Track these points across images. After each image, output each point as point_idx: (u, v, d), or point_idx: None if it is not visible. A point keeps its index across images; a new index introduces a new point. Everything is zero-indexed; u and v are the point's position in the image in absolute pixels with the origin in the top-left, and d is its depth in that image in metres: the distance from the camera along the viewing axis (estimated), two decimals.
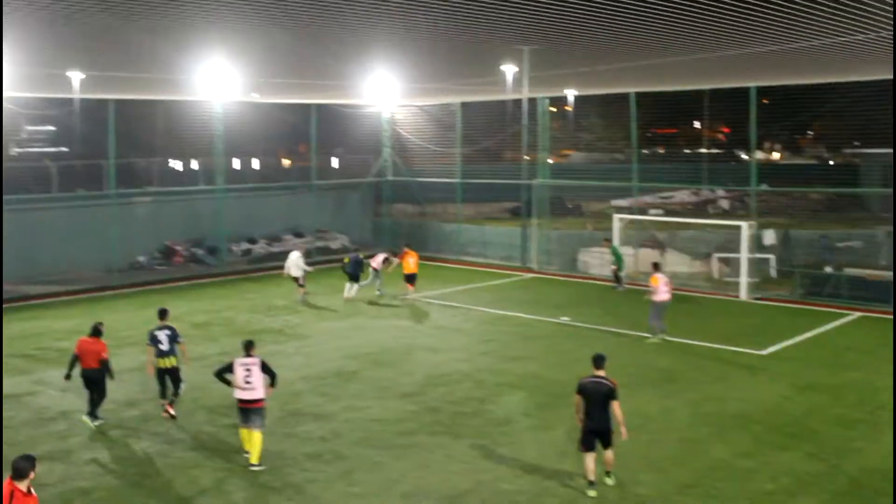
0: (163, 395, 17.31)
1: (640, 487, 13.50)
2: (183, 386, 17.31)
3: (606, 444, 13.50)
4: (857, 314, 26.67)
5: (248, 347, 14.92)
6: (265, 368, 14.66)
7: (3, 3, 13.62)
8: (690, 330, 24.34)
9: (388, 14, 15.81)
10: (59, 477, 14.11)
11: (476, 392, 18.69)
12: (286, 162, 61.05)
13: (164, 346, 16.99)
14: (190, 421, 16.96)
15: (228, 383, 14.82)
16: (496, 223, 45.36)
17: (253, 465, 14.41)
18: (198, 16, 15.55)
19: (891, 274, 27.80)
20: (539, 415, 17.11)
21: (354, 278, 29.88)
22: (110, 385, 17.02)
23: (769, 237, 34.23)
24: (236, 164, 51.22)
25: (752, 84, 29.98)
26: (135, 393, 18.64)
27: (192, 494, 13.56)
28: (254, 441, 14.47)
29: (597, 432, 13.41)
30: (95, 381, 16.58)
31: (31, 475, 9.30)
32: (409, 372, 20.38)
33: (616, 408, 13.29)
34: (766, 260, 33.21)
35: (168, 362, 17.06)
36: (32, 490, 9.41)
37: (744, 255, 29.53)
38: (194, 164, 44.43)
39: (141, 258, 36.27)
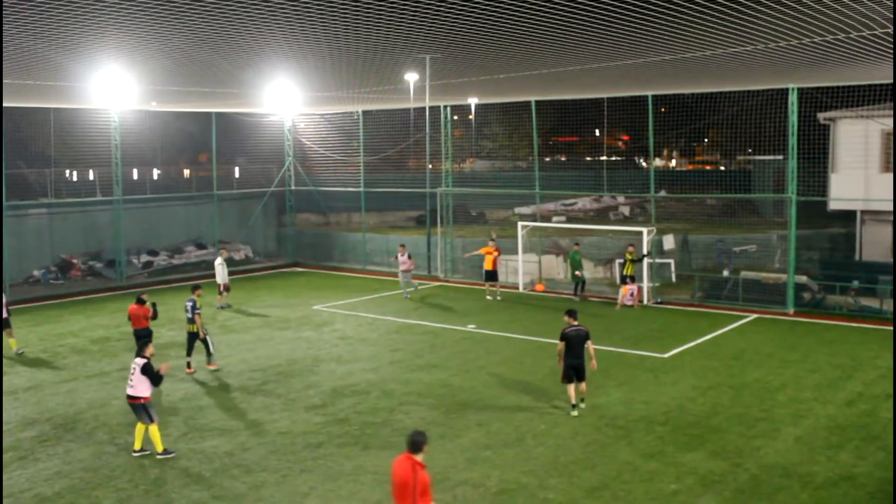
0: (188, 353, 21.44)
1: (548, 492, 13.61)
2: (211, 347, 21.46)
3: (582, 377, 17.60)
4: (754, 316, 27.48)
5: (141, 349, 15.95)
6: (144, 370, 15.43)
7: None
8: (595, 334, 24.65)
9: (286, 22, 15.62)
10: None
11: (384, 402, 18.61)
12: (187, 172, 59.89)
13: (189, 315, 21.34)
14: (90, 440, 16.47)
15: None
16: (401, 232, 45.33)
17: (158, 454, 15.39)
18: (91, 21, 15.12)
19: (784, 276, 28.74)
20: (447, 423, 17.11)
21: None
22: (7, 405, 18.19)
23: (668, 242, 35.04)
24: (135, 174, 49.99)
25: (649, 93, 30.62)
26: (31, 413, 18.06)
27: None
28: (150, 434, 15.47)
29: (575, 368, 17.37)
30: (142, 336, 20.18)
31: (425, 448, 10.00)
32: (315, 384, 20.17)
33: (590, 346, 17.57)
34: (667, 265, 34.03)
35: (191, 328, 21.30)
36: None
37: (645, 260, 30.14)
38: (91, 175, 43.17)
39: (36, 272, 35.21)
